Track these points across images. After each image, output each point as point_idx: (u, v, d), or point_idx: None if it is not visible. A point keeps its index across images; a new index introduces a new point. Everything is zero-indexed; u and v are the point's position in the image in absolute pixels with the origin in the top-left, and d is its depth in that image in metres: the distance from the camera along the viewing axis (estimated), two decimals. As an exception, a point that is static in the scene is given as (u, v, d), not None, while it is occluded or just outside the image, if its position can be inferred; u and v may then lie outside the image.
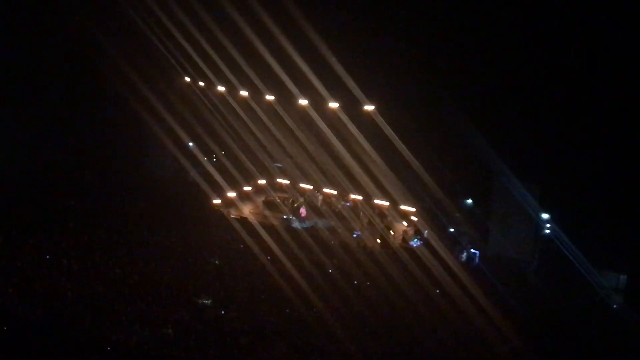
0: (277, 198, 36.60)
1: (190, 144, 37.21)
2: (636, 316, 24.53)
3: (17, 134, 35.22)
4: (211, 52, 32.96)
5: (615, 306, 27.05)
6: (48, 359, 18.67)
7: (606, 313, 25.93)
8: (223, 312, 23.46)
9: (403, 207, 33.65)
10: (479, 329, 20.81)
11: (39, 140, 36.37)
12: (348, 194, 35.57)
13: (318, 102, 33.32)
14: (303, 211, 35.39)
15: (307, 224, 33.53)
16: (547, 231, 30.31)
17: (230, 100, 36.33)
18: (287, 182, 37.76)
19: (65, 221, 29.39)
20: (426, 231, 31.06)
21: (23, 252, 25.29)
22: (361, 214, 34.56)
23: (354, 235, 31.97)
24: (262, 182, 37.96)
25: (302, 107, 33.93)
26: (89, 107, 38.13)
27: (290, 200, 36.63)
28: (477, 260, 30.27)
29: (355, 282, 25.58)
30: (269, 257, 27.05)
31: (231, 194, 35.42)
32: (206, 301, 24.42)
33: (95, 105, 38.04)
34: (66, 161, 36.79)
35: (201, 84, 37.29)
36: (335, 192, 36.24)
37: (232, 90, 36.14)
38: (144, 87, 34.34)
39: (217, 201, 34.55)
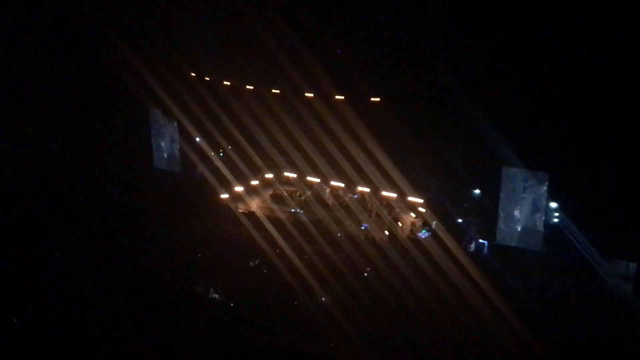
0: (284, 192, 36.61)
1: (198, 139, 37.31)
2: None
3: (24, 129, 35.65)
4: (217, 45, 33.00)
5: (624, 295, 26.85)
6: (56, 353, 18.92)
7: (615, 302, 25.73)
8: (232, 304, 23.68)
9: (411, 198, 33.54)
10: (487, 319, 20.81)
11: (47, 136, 36.66)
12: (355, 186, 35.51)
13: (324, 94, 33.23)
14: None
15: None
16: (556, 220, 30.13)
17: (237, 94, 36.29)
18: (294, 175, 37.71)
19: (75, 216, 29.63)
20: (434, 222, 30.96)
21: (32, 246, 25.60)
22: (369, 206, 34.46)
23: (362, 228, 31.92)
24: (269, 176, 37.93)
25: (308, 100, 33.85)
26: (97, 103, 38.35)
27: (298, 194, 36.63)
28: (485, 250, 30.16)
29: (365, 274, 25.68)
30: (277, 251, 27.19)
31: (239, 189, 35.51)
32: (215, 295, 24.64)
33: (104, 100, 38.23)
34: (76, 156, 37.04)
35: (207, 78, 37.23)
36: (342, 185, 36.17)
37: (237, 84, 36.12)
38: (152, 81, 34.47)
39: (225, 195, 34.63)
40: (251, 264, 27.05)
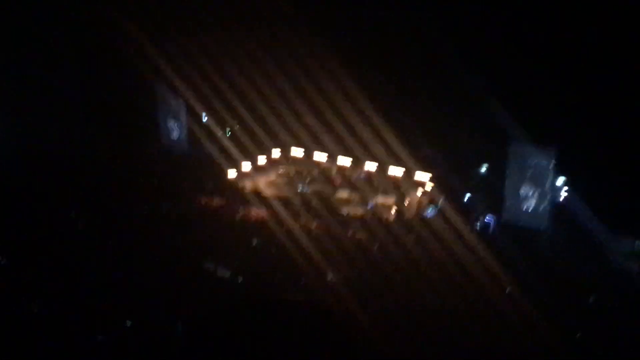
0: (291, 170, 36.60)
1: (205, 117, 37.36)
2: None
3: (27, 107, 35.80)
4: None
5: (632, 272, 26.79)
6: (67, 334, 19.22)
7: (623, 279, 25.71)
8: (240, 279, 23.86)
9: (417, 176, 33.53)
10: (493, 297, 20.90)
11: (54, 115, 36.80)
12: (362, 164, 35.46)
13: (332, 69, 33.05)
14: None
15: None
16: (563, 197, 30.07)
17: (242, 72, 36.19)
18: (301, 154, 37.69)
19: (80, 198, 29.77)
20: (441, 200, 30.93)
21: (37, 228, 25.80)
22: (375, 184, 34.39)
23: (369, 207, 31.92)
24: (276, 154, 37.92)
25: (315, 78, 33.71)
26: (103, 81, 38.38)
27: (305, 172, 36.58)
28: (492, 228, 30.13)
29: (371, 252, 25.80)
30: (284, 230, 27.32)
31: (246, 168, 35.58)
32: (224, 273, 24.79)
33: (110, 78, 38.22)
34: (81, 137, 37.14)
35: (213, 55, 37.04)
36: (349, 163, 36.11)
37: (244, 61, 36.01)
38: (158, 58, 34.46)
39: (232, 175, 34.70)
40: (255, 241, 27.12)
